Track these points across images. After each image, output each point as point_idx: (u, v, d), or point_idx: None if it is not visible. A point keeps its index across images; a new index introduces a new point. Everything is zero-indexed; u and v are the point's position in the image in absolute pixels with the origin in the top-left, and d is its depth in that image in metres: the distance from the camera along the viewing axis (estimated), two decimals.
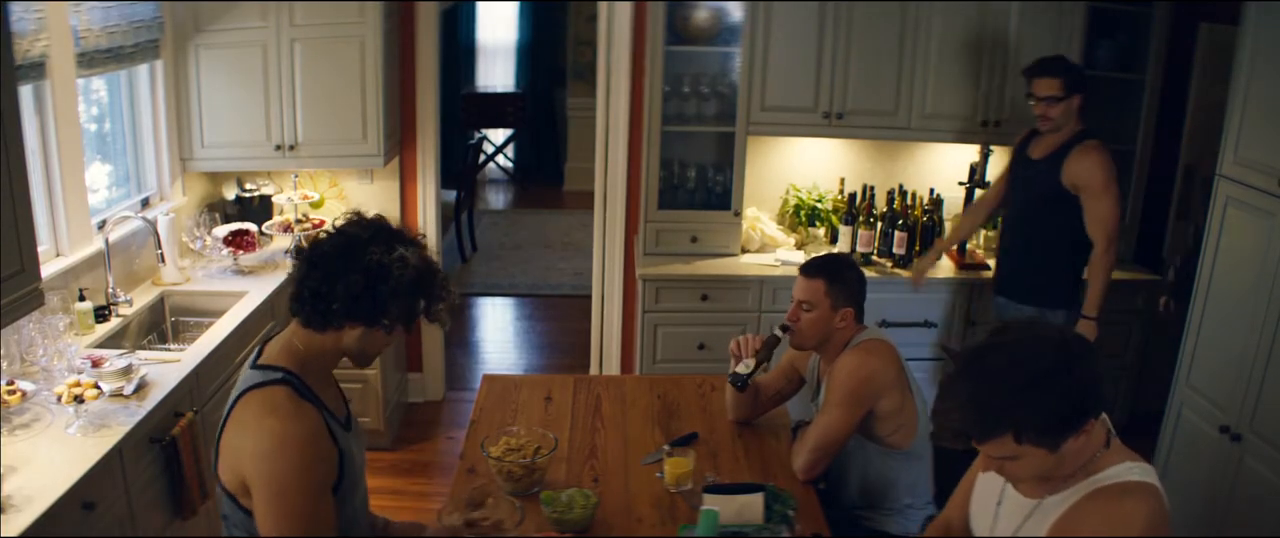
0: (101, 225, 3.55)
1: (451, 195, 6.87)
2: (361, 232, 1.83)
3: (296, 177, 4.46)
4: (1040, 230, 3.67)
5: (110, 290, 3.46)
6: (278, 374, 1.78)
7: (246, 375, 1.82)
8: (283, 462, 1.70)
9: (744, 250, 4.41)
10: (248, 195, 4.40)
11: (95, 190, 3.68)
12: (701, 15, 4.20)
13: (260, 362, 1.84)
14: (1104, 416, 1.75)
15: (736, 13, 4.17)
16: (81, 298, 3.27)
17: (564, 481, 2.50)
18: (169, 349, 3.40)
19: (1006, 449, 1.62)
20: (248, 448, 1.71)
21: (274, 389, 1.76)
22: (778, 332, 2.60)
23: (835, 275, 2.59)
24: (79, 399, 2.66)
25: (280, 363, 1.82)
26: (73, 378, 2.79)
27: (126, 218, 3.61)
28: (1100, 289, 3.55)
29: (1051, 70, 3.51)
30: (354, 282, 1.77)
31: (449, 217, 6.86)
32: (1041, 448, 1.61)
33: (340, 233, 1.85)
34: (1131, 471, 1.66)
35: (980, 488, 1.93)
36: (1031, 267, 3.72)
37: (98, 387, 2.73)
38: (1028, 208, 3.72)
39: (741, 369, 2.65)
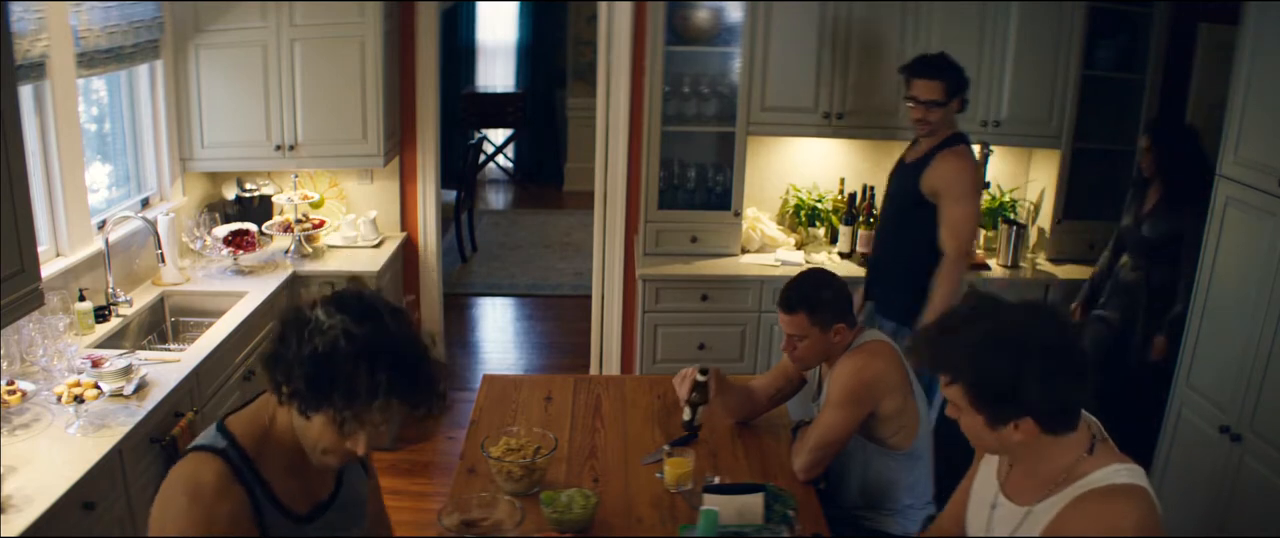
0: (101, 225, 3.55)
1: (451, 195, 6.87)
2: (332, 292, 1.61)
3: (296, 177, 4.46)
4: (900, 238, 3.47)
5: (110, 290, 3.46)
6: (222, 444, 1.61)
7: (201, 435, 1.67)
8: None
9: (744, 251, 4.41)
10: (248, 195, 4.40)
11: (95, 190, 3.68)
12: (701, 15, 4.20)
13: (226, 421, 1.67)
14: (1093, 420, 1.75)
15: (736, 13, 4.17)
16: (81, 298, 3.27)
17: (564, 481, 2.50)
18: (169, 349, 3.40)
19: (951, 392, 1.69)
20: (154, 514, 1.59)
21: (208, 461, 1.59)
22: (699, 377, 2.55)
23: (814, 304, 2.54)
24: (79, 399, 2.66)
25: (236, 431, 1.64)
26: (73, 378, 2.79)
27: (126, 218, 3.61)
28: (941, 305, 3.20)
29: (933, 72, 3.29)
30: (275, 329, 1.58)
31: (449, 217, 6.86)
32: (976, 412, 1.66)
33: (323, 296, 1.63)
34: (1119, 473, 1.66)
35: (976, 494, 1.93)
36: (891, 278, 3.52)
37: (98, 387, 2.73)
38: (891, 214, 3.54)
39: (686, 416, 2.63)
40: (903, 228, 3.47)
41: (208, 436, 1.65)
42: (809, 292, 2.56)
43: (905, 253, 3.45)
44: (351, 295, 1.59)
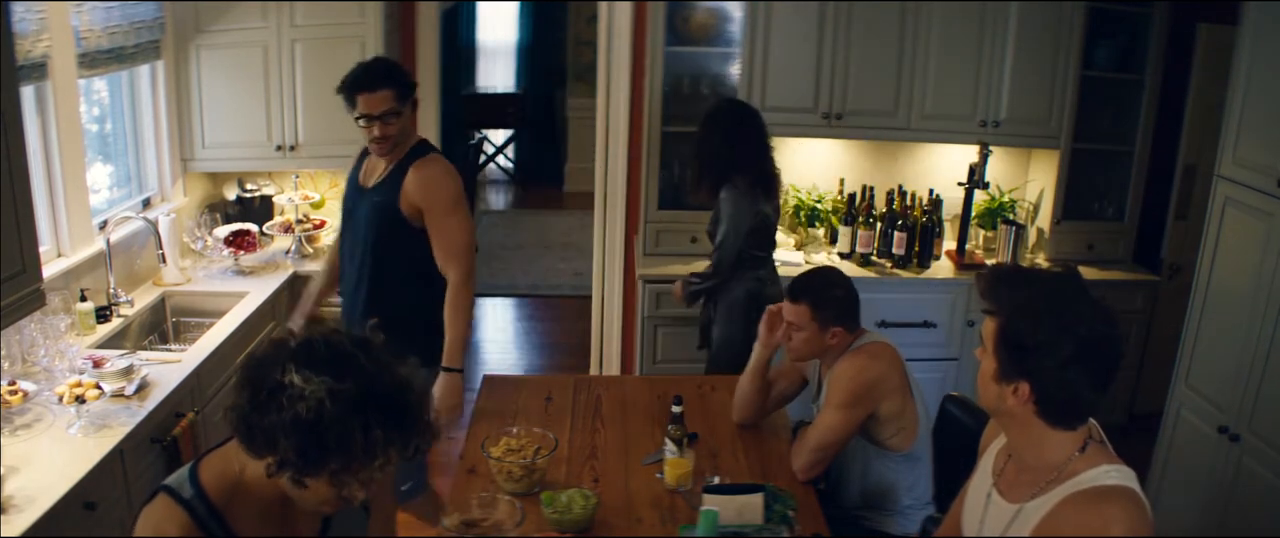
0: (103, 226, 3.56)
1: None
2: (292, 340, 1.49)
3: (297, 177, 4.46)
4: (387, 275, 2.98)
5: (111, 291, 3.47)
6: (189, 492, 1.54)
7: (176, 474, 1.59)
8: None
9: None
10: (248, 196, 4.41)
11: (96, 191, 3.69)
12: (701, 15, 4.20)
13: (200, 463, 1.59)
14: (1093, 423, 1.75)
15: (736, 13, 4.17)
16: (83, 298, 3.27)
17: (564, 481, 2.50)
18: (170, 350, 3.40)
19: (986, 324, 1.72)
20: None
21: (173, 513, 1.52)
22: (674, 408, 2.49)
23: (820, 297, 2.55)
24: (80, 399, 2.66)
25: (205, 481, 1.55)
26: (74, 378, 2.79)
27: (128, 218, 3.62)
28: (461, 333, 2.94)
29: (381, 81, 2.84)
30: (241, 394, 1.46)
31: None
32: (994, 355, 1.69)
33: (278, 341, 1.52)
34: (1109, 474, 1.66)
35: (973, 489, 1.93)
36: (393, 323, 3.05)
37: (99, 387, 2.74)
38: (370, 247, 2.98)
39: (670, 451, 2.48)
40: (388, 263, 2.96)
41: (178, 478, 1.57)
42: (818, 286, 2.59)
43: (398, 288, 2.97)
44: (320, 346, 1.47)
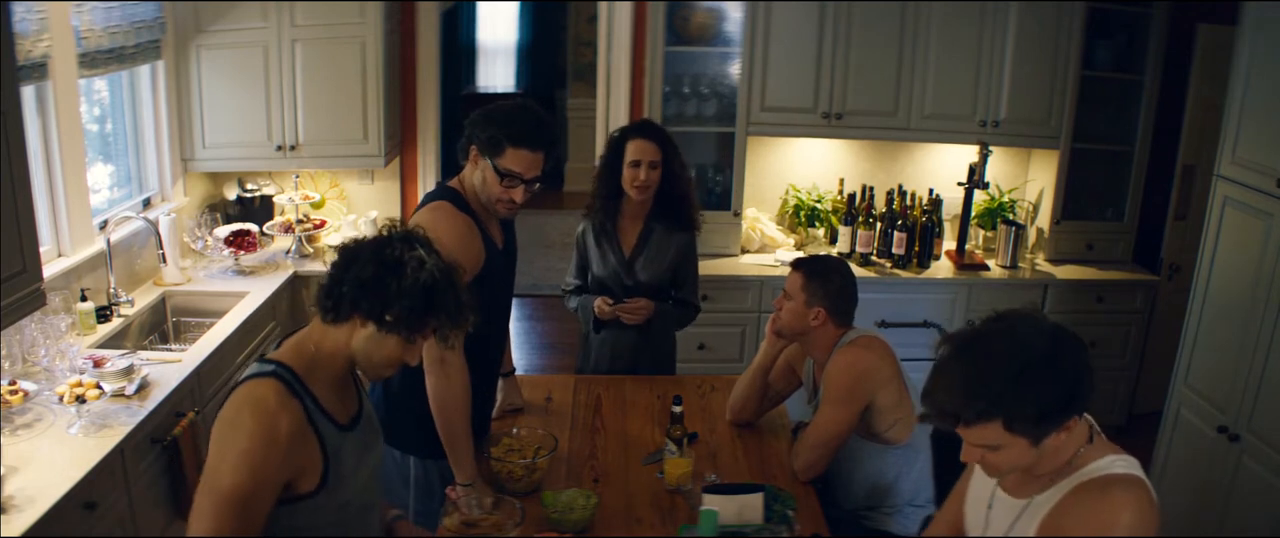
0: (103, 226, 3.56)
1: None
2: (393, 232, 1.84)
3: (297, 177, 4.47)
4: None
5: (112, 291, 3.47)
6: (271, 367, 1.79)
7: (251, 366, 1.84)
8: (235, 452, 1.68)
9: (744, 251, 4.42)
10: (249, 196, 4.41)
11: (97, 191, 3.69)
12: (701, 16, 4.21)
13: (270, 355, 1.85)
14: (1086, 415, 1.76)
15: (736, 13, 4.17)
16: (83, 298, 3.27)
17: (564, 481, 2.50)
18: (170, 349, 3.40)
19: (993, 437, 1.62)
20: (217, 435, 1.72)
21: (262, 382, 1.76)
22: (674, 408, 2.49)
23: (815, 272, 2.61)
24: (81, 399, 2.67)
25: (283, 358, 1.81)
26: (74, 378, 2.79)
27: (128, 218, 3.62)
28: None
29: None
30: (365, 268, 1.77)
31: None
32: (1025, 438, 1.62)
33: (378, 234, 1.85)
34: (1115, 464, 1.67)
35: (973, 490, 1.93)
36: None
37: (99, 387, 2.74)
38: (507, 306, 2.77)
39: (670, 451, 2.47)
40: None
41: (253, 368, 1.82)
42: (819, 265, 2.65)
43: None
44: (417, 236, 1.83)
